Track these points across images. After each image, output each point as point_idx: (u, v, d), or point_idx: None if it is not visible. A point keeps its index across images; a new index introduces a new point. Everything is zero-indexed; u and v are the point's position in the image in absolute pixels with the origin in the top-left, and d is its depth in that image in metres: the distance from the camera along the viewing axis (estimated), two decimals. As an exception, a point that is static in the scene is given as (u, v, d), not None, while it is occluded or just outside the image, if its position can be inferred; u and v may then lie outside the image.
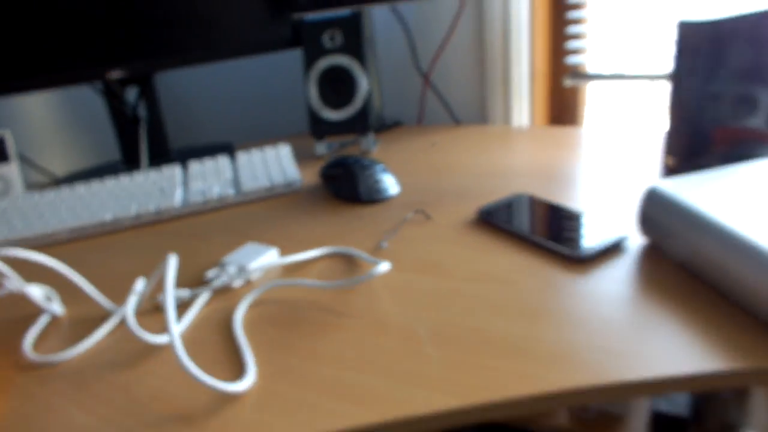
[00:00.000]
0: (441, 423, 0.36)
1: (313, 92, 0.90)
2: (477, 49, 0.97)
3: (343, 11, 0.89)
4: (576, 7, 0.93)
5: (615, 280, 0.47)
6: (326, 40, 0.89)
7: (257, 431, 0.36)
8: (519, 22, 0.91)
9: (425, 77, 1.04)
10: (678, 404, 0.77)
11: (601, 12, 0.90)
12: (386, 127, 1.04)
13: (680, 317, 0.41)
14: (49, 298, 0.53)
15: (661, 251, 0.51)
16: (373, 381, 0.39)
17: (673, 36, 0.61)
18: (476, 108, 1.02)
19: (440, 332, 0.43)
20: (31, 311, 0.55)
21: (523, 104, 0.97)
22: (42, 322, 0.51)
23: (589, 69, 0.95)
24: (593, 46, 0.92)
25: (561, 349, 0.39)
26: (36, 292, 0.51)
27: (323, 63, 0.89)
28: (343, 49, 0.88)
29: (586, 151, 0.79)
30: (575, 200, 0.63)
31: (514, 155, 0.81)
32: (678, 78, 0.62)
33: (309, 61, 0.90)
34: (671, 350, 0.38)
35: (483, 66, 0.98)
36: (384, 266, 0.50)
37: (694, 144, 0.62)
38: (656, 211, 0.50)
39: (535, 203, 0.62)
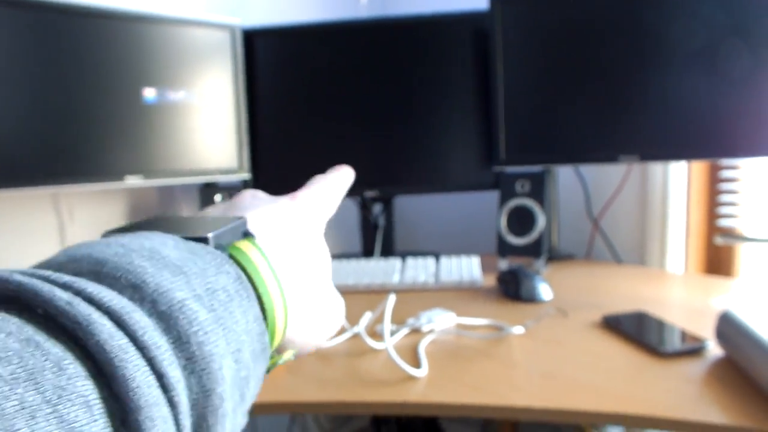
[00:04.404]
0: (531, 416, 0.60)
1: (503, 222, 1.21)
2: (640, 204, 1.20)
3: (534, 168, 1.21)
4: (730, 180, 1.13)
5: (682, 365, 0.67)
6: (518, 186, 1.21)
7: (424, 395, 0.64)
8: (676, 186, 1.13)
9: (595, 222, 1.29)
10: None
11: (754, 181, 1.08)
12: (559, 257, 1.30)
13: (703, 388, 0.60)
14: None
15: (728, 357, 0.69)
16: (494, 387, 0.65)
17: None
18: (636, 251, 1.22)
19: (546, 373, 0.67)
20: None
21: (678, 254, 1.15)
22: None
23: (743, 231, 1.11)
24: (746, 212, 1.09)
25: (614, 392, 0.61)
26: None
27: (513, 203, 1.21)
28: (530, 195, 1.19)
29: (714, 294, 0.95)
30: (685, 322, 0.82)
31: (655, 289, 1.00)
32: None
33: (503, 201, 1.22)
34: (675, 400, 0.58)
35: (644, 219, 1.20)
36: (518, 329, 0.76)
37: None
38: (725, 328, 0.69)
39: (646, 317, 0.83)
